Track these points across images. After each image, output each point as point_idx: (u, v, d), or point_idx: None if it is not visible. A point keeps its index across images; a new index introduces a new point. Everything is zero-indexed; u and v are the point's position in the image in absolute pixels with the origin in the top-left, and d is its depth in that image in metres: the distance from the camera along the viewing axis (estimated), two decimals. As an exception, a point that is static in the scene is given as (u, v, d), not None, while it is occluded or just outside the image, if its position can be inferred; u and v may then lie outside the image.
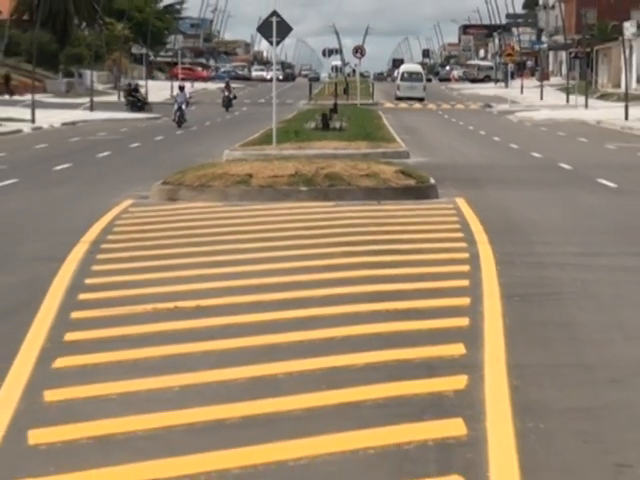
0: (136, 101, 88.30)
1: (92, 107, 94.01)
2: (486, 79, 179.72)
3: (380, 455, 9.71)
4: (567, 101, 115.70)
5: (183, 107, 70.50)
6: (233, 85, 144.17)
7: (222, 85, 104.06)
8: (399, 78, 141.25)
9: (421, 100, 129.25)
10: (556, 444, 10.15)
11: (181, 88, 73.62)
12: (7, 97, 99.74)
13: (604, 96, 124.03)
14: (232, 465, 9.38)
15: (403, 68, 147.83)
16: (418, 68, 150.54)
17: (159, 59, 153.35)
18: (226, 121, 76.82)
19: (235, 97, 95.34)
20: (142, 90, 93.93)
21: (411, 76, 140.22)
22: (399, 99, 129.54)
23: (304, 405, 11.06)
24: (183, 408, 10.94)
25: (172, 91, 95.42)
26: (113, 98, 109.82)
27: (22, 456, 9.69)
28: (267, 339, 13.79)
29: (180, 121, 70.09)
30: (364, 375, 12.15)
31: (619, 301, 17.15)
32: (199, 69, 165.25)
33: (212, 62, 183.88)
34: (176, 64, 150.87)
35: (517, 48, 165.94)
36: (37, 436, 10.15)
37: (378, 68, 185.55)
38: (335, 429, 10.28)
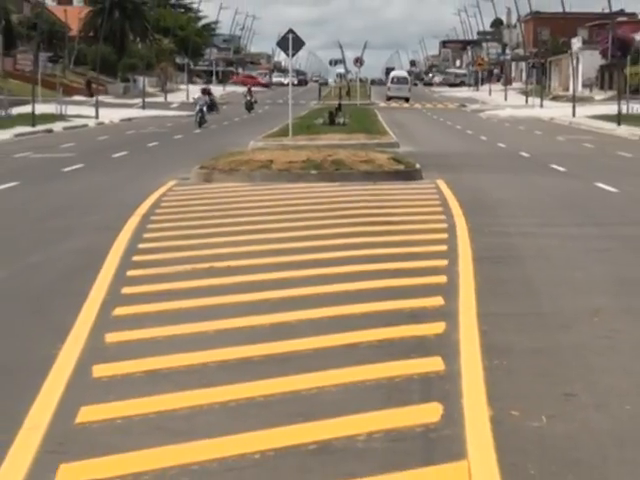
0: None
1: (144, 106, 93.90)
2: (461, 84, 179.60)
3: (374, 386, 9.76)
4: (526, 102, 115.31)
5: (204, 110, 65.14)
6: (256, 89, 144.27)
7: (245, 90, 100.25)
8: (389, 82, 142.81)
9: (407, 99, 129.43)
10: (516, 378, 10.17)
11: (203, 91, 70.04)
12: (89, 98, 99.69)
13: (556, 98, 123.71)
14: (256, 394, 9.43)
15: (393, 74, 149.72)
16: (404, 74, 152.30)
17: (197, 67, 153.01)
18: (251, 118, 76.62)
19: (256, 101, 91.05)
20: (214, 94, 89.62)
21: (399, 80, 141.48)
22: (389, 98, 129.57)
23: (313, 346, 11.12)
24: (216, 348, 10.97)
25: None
26: (160, 99, 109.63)
27: (88, 387, 9.74)
28: (284, 293, 13.81)
29: (201, 122, 63.82)
30: (361, 322, 12.17)
31: (568, 262, 17.15)
32: (259, 77, 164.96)
33: (240, 70, 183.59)
34: (211, 72, 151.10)
35: (486, 59, 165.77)
36: (99, 370, 10.20)
37: (374, 75, 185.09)
38: (338, 365, 10.33)
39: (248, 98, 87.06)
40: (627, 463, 7.92)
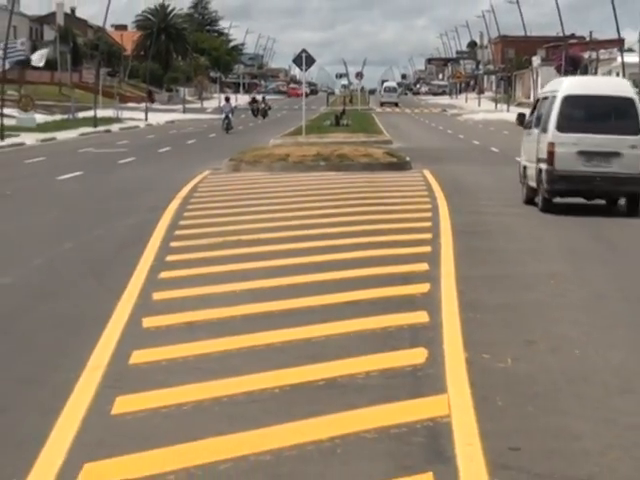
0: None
1: (184, 111, 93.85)
2: (443, 93, 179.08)
3: (371, 334, 9.78)
4: (496, 107, 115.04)
5: (230, 116, 58.90)
6: (276, 97, 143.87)
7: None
8: (382, 91, 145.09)
9: (396, 104, 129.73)
10: (487, 328, 10.19)
11: (227, 99, 64.43)
12: (150, 104, 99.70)
13: (520, 104, 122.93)
14: (275, 341, 9.45)
15: (384, 85, 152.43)
16: (394, 84, 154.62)
17: (227, 80, 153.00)
18: (271, 121, 76.46)
19: (270, 107, 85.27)
20: (259, 102, 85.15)
21: (389, 89, 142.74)
22: (382, 104, 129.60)
23: (321, 302, 11.12)
24: (242, 304, 10.99)
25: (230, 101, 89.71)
26: (197, 105, 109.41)
27: (139, 335, 9.75)
28: (298, 260, 13.81)
29: (227, 128, 58.08)
30: (360, 283, 12.16)
31: (529, 235, 17.17)
32: (299, 89, 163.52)
33: (262, 82, 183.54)
34: (239, 84, 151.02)
35: (463, 73, 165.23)
36: (148, 322, 10.21)
37: (372, 86, 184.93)
38: (341, 318, 10.35)
39: (262, 106, 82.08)
40: (576, 396, 7.95)
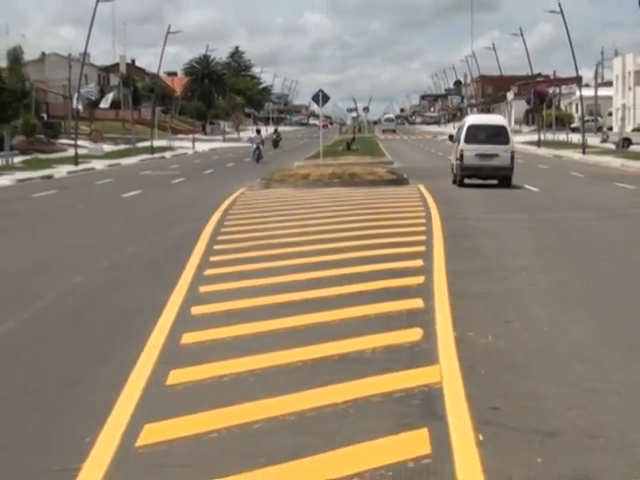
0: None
1: (224, 140, 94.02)
2: (434, 123, 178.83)
3: (376, 318, 9.76)
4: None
5: (260, 147, 51.95)
6: (299, 128, 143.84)
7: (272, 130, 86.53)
8: (383, 121, 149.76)
9: (394, 131, 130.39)
10: (472, 311, 10.16)
11: (258, 131, 57.99)
12: (204, 135, 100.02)
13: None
14: (298, 324, 9.46)
15: (385, 116, 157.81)
16: (392, 116, 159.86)
17: (259, 115, 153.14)
18: (295, 147, 76.39)
19: (281, 139, 74.15)
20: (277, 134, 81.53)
21: (388, 120, 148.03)
22: (383, 131, 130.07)
23: (334, 293, 11.12)
24: (271, 295, 10.99)
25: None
26: (235, 136, 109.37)
27: (188, 321, 9.75)
28: (316, 259, 13.80)
29: (258, 158, 50.60)
30: (366, 277, 12.13)
31: (505, 236, 17.10)
32: (327, 121, 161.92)
33: (288, 116, 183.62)
34: (268, 118, 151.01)
35: (450, 106, 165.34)
36: (196, 310, 10.23)
37: (376, 117, 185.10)
38: (351, 304, 10.34)
39: (274, 137, 73.00)
40: (544, 365, 7.92)
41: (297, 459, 5.67)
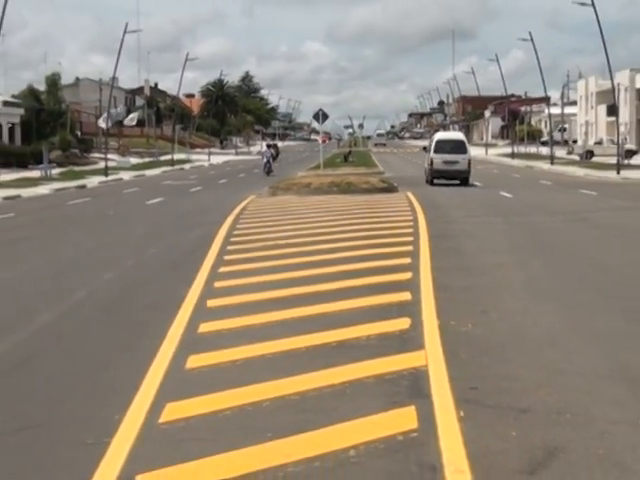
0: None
1: (236, 154, 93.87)
2: (421, 137, 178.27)
3: (370, 309, 9.75)
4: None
5: (271, 160, 48.68)
6: (301, 143, 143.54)
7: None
8: (375, 136, 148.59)
9: (384, 144, 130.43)
10: (453, 302, 10.14)
11: (268, 146, 55.07)
12: (221, 149, 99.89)
13: (476, 145, 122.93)
14: (301, 315, 9.45)
15: (376, 132, 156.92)
16: (383, 132, 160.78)
17: (267, 131, 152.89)
18: (297, 159, 76.19)
19: (279, 153, 69.67)
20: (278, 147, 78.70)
21: (379, 135, 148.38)
22: (375, 144, 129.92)
23: (332, 287, 11.08)
24: (277, 290, 10.97)
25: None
26: (245, 150, 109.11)
27: (204, 312, 9.74)
28: (316, 258, 13.78)
29: (269, 171, 47.03)
30: (360, 273, 12.11)
31: (482, 237, 17.08)
32: (326, 136, 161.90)
33: (292, 132, 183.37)
34: (275, 134, 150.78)
35: (435, 123, 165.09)
36: (211, 303, 10.21)
37: (369, 133, 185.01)
38: (347, 297, 10.31)
39: (272, 151, 64.18)
40: (517, 350, 7.91)
41: (300, 433, 5.67)
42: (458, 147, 36.12)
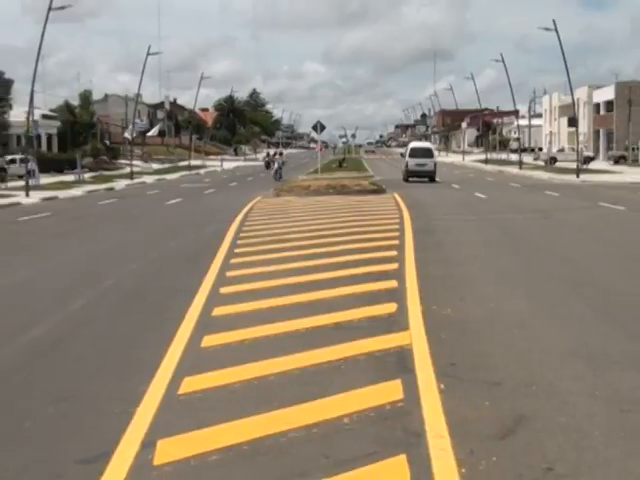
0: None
1: (245, 160, 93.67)
2: (405, 146, 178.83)
3: (362, 295, 9.71)
4: (439, 154, 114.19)
5: (282, 167, 45.69)
6: (302, 151, 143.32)
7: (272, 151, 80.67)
8: (365, 144, 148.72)
9: (373, 151, 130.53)
10: (435, 289, 10.11)
11: (280, 154, 53.00)
12: (233, 156, 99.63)
13: (454, 152, 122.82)
14: (302, 300, 9.41)
15: (366, 141, 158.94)
16: (373, 141, 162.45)
17: (271, 141, 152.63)
18: (298, 165, 75.94)
19: (273, 161, 60.24)
20: (271, 155, 76.72)
21: (369, 143, 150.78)
22: (366, 151, 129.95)
23: (329, 276, 11.04)
24: (282, 278, 10.94)
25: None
26: (253, 156, 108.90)
27: (218, 298, 9.70)
28: (315, 250, 13.76)
29: (280, 177, 43.44)
30: (353, 264, 12.09)
31: (460, 233, 17.05)
32: (322, 146, 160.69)
33: (293, 141, 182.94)
34: (278, 143, 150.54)
35: (418, 133, 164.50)
36: (224, 290, 10.18)
37: (361, 142, 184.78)
38: (343, 285, 10.28)
39: (267, 159, 63.79)
40: (490, 331, 7.89)
41: (301, 403, 5.66)
42: (427, 153, 41.52)
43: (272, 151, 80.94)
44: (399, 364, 6.64)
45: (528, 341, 7.44)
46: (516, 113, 78.24)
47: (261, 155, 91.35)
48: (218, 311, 8.86)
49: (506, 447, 4.86)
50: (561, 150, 75.57)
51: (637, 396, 5.80)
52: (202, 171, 65.43)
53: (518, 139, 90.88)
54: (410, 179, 40.46)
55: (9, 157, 49.16)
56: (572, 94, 49.07)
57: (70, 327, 8.34)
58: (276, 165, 46.59)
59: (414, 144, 45.04)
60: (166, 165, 71.49)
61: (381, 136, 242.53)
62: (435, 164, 41.34)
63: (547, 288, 10.33)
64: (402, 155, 48.03)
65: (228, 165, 77.40)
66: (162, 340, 7.55)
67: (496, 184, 40.42)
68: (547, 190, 33.09)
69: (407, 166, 41.17)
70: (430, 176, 40.52)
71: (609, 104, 74.82)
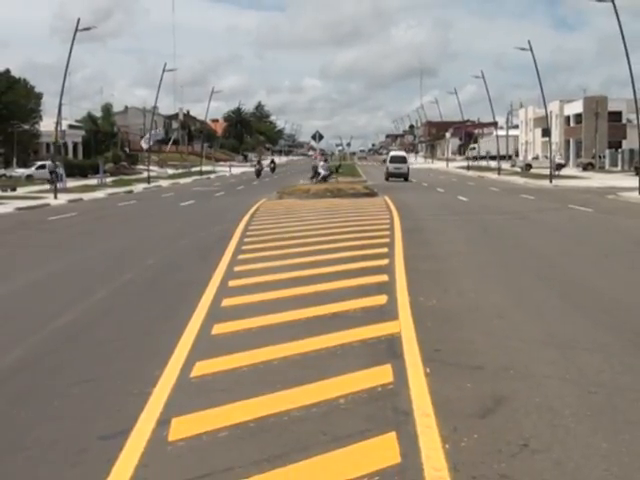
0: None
1: (251, 166, 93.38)
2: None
3: (356, 288, 9.67)
4: (425, 161, 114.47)
5: (261, 170, 52.54)
6: (301, 158, 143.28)
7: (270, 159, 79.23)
8: (359, 152, 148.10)
9: (365, 158, 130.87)
10: (422, 282, 10.08)
11: (271, 161, 59.40)
12: (243, 162, 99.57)
13: (439, 159, 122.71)
14: (304, 292, 9.37)
15: (359, 149, 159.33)
16: (365, 149, 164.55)
17: (275, 149, 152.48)
18: (298, 170, 75.89)
19: (275, 166, 68.28)
20: (262, 162, 75.70)
21: (362, 151, 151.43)
22: (359, 158, 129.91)
23: (326, 271, 11.00)
24: (284, 273, 10.92)
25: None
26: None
27: (226, 290, 9.66)
28: (312, 247, 13.73)
29: (258, 174, 54.36)
30: (348, 260, 12.06)
31: (444, 231, 17.01)
32: (320, 153, 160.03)
33: (294, 149, 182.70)
34: (280, 151, 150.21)
35: (407, 142, 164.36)
36: (232, 283, 10.15)
37: (355, 150, 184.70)
38: (338, 279, 10.24)
39: (257, 167, 60.64)
40: (472, 320, 7.86)
41: (302, 385, 5.65)
42: (402, 160, 50.24)
43: (270, 159, 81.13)
44: (389, 350, 6.63)
45: (506, 329, 7.43)
46: (495, 124, 78.24)
47: (265, 162, 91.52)
48: (227, 302, 8.84)
49: (486, 425, 4.85)
50: (536, 158, 75.61)
51: (602, 379, 5.80)
52: (212, 176, 65.30)
53: (474, 148, 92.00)
54: (390, 179, 47.84)
55: (39, 163, 49.23)
56: (545, 107, 49.15)
57: (93, 315, 8.32)
58: (268, 168, 57.61)
59: (393, 153, 54.58)
60: (180, 170, 71.36)
61: (373, 145, 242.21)
62: (408, 168, 49.28)
63: (524, 282, 10.32)
64: (384, 162, 56.86)
65: (236, 170, 77.25)
66: (176, 328, 7.53)
67: (477, 188, 40.41)
68: (523, 193, 33.08)
69: (387, 169, 49.91)
70: (404, 176, 48.06)
71: (578, 116, 74.92)
